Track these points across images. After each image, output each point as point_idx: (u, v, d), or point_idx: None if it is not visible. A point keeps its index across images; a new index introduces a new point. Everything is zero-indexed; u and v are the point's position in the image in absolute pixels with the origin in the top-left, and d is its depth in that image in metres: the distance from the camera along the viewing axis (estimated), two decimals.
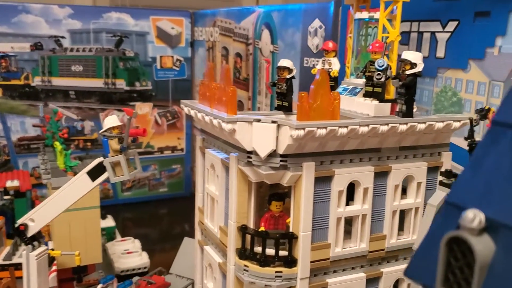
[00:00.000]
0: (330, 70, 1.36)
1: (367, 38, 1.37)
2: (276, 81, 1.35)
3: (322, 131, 1.00)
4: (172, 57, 2.97)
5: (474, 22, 1.33)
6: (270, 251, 1.10)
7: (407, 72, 1.07)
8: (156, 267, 1.94)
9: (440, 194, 1.07)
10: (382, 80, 1.12)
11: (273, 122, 1.02)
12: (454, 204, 0.56)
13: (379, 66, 1.11)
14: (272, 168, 1.05)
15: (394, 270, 1.19)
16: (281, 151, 1.02)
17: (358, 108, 1.21)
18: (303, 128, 0.98)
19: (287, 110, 1.35)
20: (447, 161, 1.21)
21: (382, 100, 1.19)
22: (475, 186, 0.54)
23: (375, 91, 1.19)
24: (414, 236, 1.20)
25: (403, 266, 1.20)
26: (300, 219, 1.06)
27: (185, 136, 3.10)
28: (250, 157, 1.06)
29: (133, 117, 1.20)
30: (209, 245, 1.29)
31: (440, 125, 1.12)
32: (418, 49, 1.50)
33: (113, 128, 1.24)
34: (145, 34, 2.87)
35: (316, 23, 1.91)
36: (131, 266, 1.96)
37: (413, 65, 1.07)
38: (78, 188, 1.27)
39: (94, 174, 1.26)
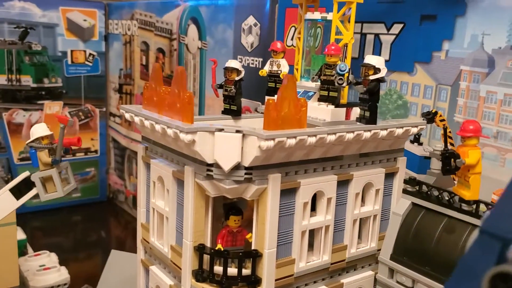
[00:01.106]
0: (279, 72, 1.29)
1: (316, 39, 1.32)
2: (223, 83, 1.25)
3: (292, 141, 0.93)
4: (85, 51, 2.74)
5: (421, 25, 1.33)
6: (231, 271, 1.01)
7: (371, 77, 1.03)
8: (77, 281, 1.77)
9: (405, 202, 1.05)
10: (344, 85, 1.07)
11: (238, 131, 0.93)
12: (493, 235, 0.51)
13: (341, 71, 1.06)
14: (235, 181, 0.96)
15: (354, 280, 1.15)
16: (246, 163, 0.94)
17: (313, 113, 1.14)
18: (273, 139, 0.90)
19: (236, 114, 1.26)
20: (402, 166, 1.19)
21: (338, 105, 1.15)
22: None
23: (330, 96, 1.14)
24: (373, 244, 1.17)
25: (363, 275, 1.17)
26: (265, 235, 0.98)
27: (99, 137, 2.89)
28: (211, 170, 0.96)
29: (68, 126, 1.05)
30: (156, 265, 1.17)
31: (400, 131, 1.10)
32: (361, 51, 1.48)
33: (42, 138, 1.07)
34: (54, 26, 2.62)
35: (251, 20, 1.84)
36: (50, 284, 1.77)
37: (377, 70, 1.03)
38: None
39: (18, 191, 1.09)
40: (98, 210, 2.94)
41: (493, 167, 1.19)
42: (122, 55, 2.72)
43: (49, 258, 1.97)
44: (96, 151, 2.90)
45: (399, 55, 1.38)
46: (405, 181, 1.06)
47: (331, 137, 0.98)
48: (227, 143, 0.93)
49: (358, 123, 1.08)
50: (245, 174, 0.95)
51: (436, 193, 1.01)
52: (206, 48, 2.09)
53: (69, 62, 2.71)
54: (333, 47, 1.14)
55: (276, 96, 1.26)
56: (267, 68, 1.32)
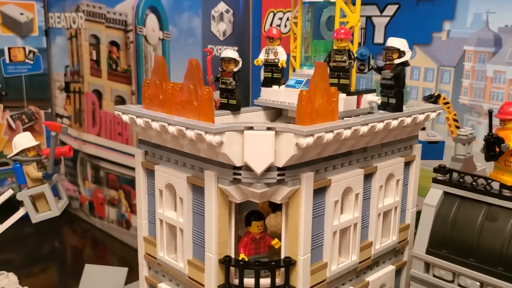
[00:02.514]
0: (276, 60, 1.20)
1: (312, 23, 1.23)
2: (219, 76, 1.14)
3: (330, 136, 0.84)
4: (24, 48, 2.50)
5: (418, 5, 1.28)
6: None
7: (396, 61, 0.96)
8: None
9: (436, 192, 0.99)
10: (366, 70, 0.99)
11: (269, 129, 0.83)
12: None
13: (362, 56, 0.99)
14: (266, 184, 0.86)
15: (378, 277, 1.09)
16: (280, 163, 0.84)
17: None
18: (312, 134, 0.81)
19: (235, 109, 1.15)
20: (418, 154, 1.14)
21: (349, 92, 1.07)
22: None
23: (341, 83, 1.07)
24: (394, 237, 1.11)
25: (385, 270, 1.12)
26: (299, 240, 0.89)
27: (46, 141, 2.65)
28: (238, 174, 0.85)
29: (62, 134, 0.90)
30: (166, 282, 1.05)
31: (421, 117, 1.04)
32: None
33: (28, 149, 0.92)
34: None
35: (221, 6, 1.72)
36: None
37: (401, 53, 0.96)
38: None
39: (1, 213, 0.93)
40: (50, 220, 2.71)
41: None
42: (68, 51, 2.50)
43: (8, 279, 1.77)
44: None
45: (395, 36, 1.32)
46: (435, 170, 1.01)
47: (364, 128, 0.90)
48: (259, 143, 0.82)
49: (381, 111, 1.01)
50: (277, 175, 0.85)
51: (469, 180, 0.96)
52: (169, 39, 1.95)
53: (7, 61, 2.45)
54: (342, 31, 1.06)
55: (274, 86, 1.20)
56: (262, 56, 1.22)
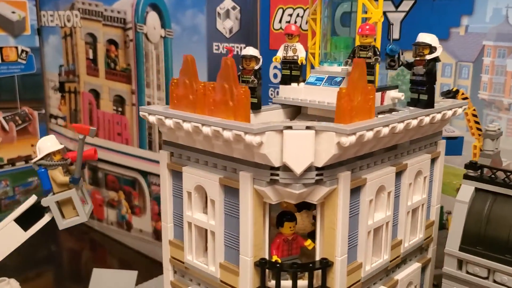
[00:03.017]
0: (295, 57, 1.18)
1: (331, 19, 1.22)
2: (239, 74, 1.11)
3: (370, 134, 0.82)
4: (16, 48, 2.43)
5: (434, 1, 1.27)
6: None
7: (428, 57, 0.95)
8: None
9: (468, 188, 0.99)
10: (396, 67, 0.98)
11: (308, 128, 0.81)
12: None
13: (392, 52, 0.97)
14: (304, 185, 0.84)
15: (406, 275, 1.08)
16: (320, 163, 0.82)
17: None
18: (354, 133, 0.79)
19: (256, 107, 1.13)
20: (442, 150, 1.13)
21: (376, 89, 1.06)
22: None
23: (368, 80, 1.05)
24: (421, 234, 1.11)
25: (412, 268, 1.11)
26: (336, 241, 0.88)
27: None
28: (276, 174, 0.83)
29: (90, 136, 0.87)
30: (193, 287, 1.02)
31: (450, 113, 1.03)
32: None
33: (53, 153, 0.88)
34: None
35: (228, 3, 1.69)
36: None
37: (432, 49, 0.95)
38: (3, 241, 0.89)
39: (25, 220, 0.90)
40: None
41: None
42: (62, 50, 2.44)
43: (10, 285, 1.73)
44: None
45: (411, 33, 1.31)
46: (466, 166, 1.00)
47: (400, 126, 0.89)
48: (299, 142, 0.80)
49: (410, 107, 1.00)
50: (316, 175, 0.83)
51: (501, 175, 0.96)
52: (171, 37, 1.91)
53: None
54: (367, 27, 1.05)
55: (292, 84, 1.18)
56: (280, 54, 1.19)
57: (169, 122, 0.91)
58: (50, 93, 2.57)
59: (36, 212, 0.92)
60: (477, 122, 1.25)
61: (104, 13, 2.16)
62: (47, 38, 2.50)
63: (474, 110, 1.25)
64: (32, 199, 0.89)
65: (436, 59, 0.96)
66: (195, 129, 0.87)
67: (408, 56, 1.04)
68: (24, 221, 0.92)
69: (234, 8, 1.68)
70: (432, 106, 0.98)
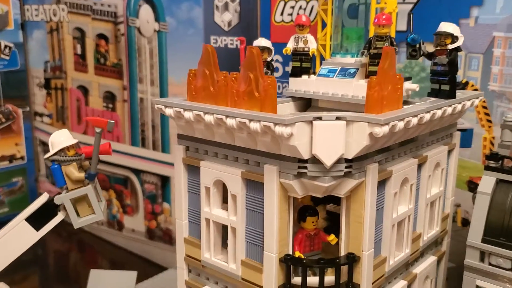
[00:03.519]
0: (306, 49, 1.15)
1: (342, 10, 1.19)
2: None
3: (401, 124, 0.80)
4: None
5: None
6: (311, 280, 0.87)
7: (450, 47, 0.93)
8: None
9: (489, 179, 0.98)
10: (417, 57, 0.96)
11: (339, 118, 0.78)
12: None
13: (414, 41, 0.95)
14: (333, 178, 0.81)
15: (423, 268, 1.07)
16: (350, 155, 0.79)
17: (359, 92, 1.02)
18: (388, 123, 0.77)
19: None
20: (457, 141, 1.12)
21: None
22: None
23: None
24: (437, 227, 1.09)
25: (429, 261, 1.09)
26: (364, 235, 0.85)
27: (25, 141, 2.51)
28: (304, 167, 0.80)
29: (108, 130, 0.82)
30: (210, 285, 0.99)
31: (468, 103, 1.02)
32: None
33: (67, 148, 0.83)
34: None
35: None
36: None
37: (454, 39, 0.94)
38: (14, 242, 0.84)
39: (37, 220, 0.85)
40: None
41: None
42: (47, 45, 2.36)
43: None
44: (22, 158, 2.52)
45: (419, 24, 1.30)
46: (487, 157, 0.99)
47: (427, 116, 0.87)
48: (329, 134, 0.78)
49: (431, 98, 0.99)
50: (345, 167, 0.81)
51: None
52: (166, 30, 1.86)
53: None
54: (384, 17, 1.03)
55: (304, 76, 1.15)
56: (290, 45, 1.17)
57: (188, 115, 0.88)
58: (35, 90, 2.49)
59: (46, 210, 0.87)
60: (487, 114, 1.24)
61: (94, 7, 2.09)
62: (31, 33, 2.41)
63: (484, 101, 1.24)
64: (44, 197, 0.85)
65: (458, 49, 0.94)
66: (217, 121, 0.83)
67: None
68: (34, 220, 0.87)
69: (233, 0, 1.64)
70: (454, 97, 0.97)
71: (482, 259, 0.97)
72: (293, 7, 1.53)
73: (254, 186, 0.87)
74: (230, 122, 0.81)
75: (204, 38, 1.73)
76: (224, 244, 0.96)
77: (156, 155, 2.01)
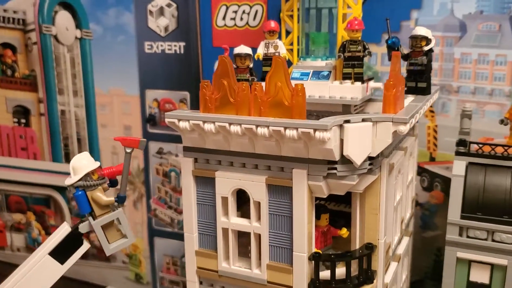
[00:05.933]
0: (277, 53, 1.20)
1: (309, 15, 1.26)
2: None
3: (413, 121, 0.89)
4: None
5: None
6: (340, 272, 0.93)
7: (425, 48, 1.04)
8: None
9: (460, 163, 1.11)
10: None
11: (364, 120, 0.84)
12: None
13: (395, 44, 1.05)
14: (358, 175, 0.87)
15: (403, 249, 1.18)
16: (375, 153, 0.86)
17: (339, 93, 1.10)
18: (410, 121, 0.85)
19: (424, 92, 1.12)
20: (418, 131, 1.25)
21: (363, 80, 1.13)
22: None
23: (356, 72, 1.12)
24: (411, 210, 1.21)
25: (405, 242, 1.20)
26: (380, 225, 0.93)
27: None
28: (334, 168, 0.85)
29: (139, 149, 0.78)
30: None
31: (435, 96, 1.15)
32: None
33: (92, 172, 0.78)
34: None
35: (161, 0, 1.62)
36: None
37: (429, 41, 1.05)
38: (39, 278, 0.77)
39: (61, 252, 0.79)
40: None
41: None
42: None
43: None
44: None
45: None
46: (457, 143, 1.13)
47: (422, 111, 0.97)
48: (359, 135, 0.83)
49: (409, 95, 1.09)
50: (368, 165, 0.88)
51: (487, 149, 1.10)
52: (90, 38, 1.76)
53: None
54: (356, 22, 1.11)
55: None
56: (261, 51, 1.20)
57: (209, 127, 0.87)
58: None
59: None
60: (432, 111, 1.39)
61: None
62: None
63: None
64: (65, 230, 0.78)
65: (431, 50, 1.06)
66: (245, 131, 0.84)
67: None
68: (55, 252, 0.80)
69: (169, 5, 1.62)
70: (430, 92, 1.08)
71: (460, 234, 1.10)
72: (235, 12, 1.55)
73: (278, 190, 0.89)
74: (262, 131, 0.83)
75: (137, 44, 1.68)
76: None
77: None
